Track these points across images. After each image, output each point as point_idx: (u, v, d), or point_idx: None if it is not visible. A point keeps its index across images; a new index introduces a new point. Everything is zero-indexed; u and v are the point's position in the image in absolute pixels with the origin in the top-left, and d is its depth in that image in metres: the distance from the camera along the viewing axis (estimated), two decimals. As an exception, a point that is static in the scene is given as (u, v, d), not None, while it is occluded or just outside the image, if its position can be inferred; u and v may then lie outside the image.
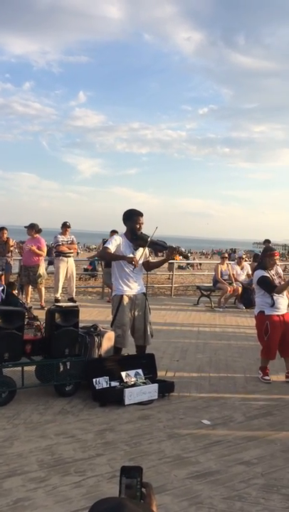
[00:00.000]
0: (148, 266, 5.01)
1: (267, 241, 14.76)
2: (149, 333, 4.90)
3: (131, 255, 4.70)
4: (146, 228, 4.90)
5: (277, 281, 5.20)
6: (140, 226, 4.81)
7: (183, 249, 5.54)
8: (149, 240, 4.73)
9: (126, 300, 4.77)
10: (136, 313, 4.84)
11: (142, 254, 4.81)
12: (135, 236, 4.79)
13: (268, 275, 5.21)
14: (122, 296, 4.78)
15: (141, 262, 4.78)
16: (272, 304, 5.15)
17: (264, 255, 5.42)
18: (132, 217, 4.83)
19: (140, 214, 4.85)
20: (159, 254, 5.08)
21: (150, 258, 5.08)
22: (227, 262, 11.28)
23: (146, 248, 4.84)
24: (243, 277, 11.02)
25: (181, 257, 5.46)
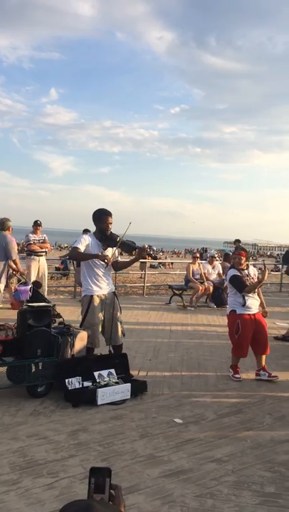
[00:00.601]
0: (117, 265, 5.02)
1: (237, 241, 14.99)
2: (120, 332, 4.91)
3: (104, 253, 4.70)
4: (120, 226, 4.91)
5: (249, 282, 5.30)
6: (109, 226, 4.80)
7: (154, 248, 5.57)
8: (118, 240, 4.73)
9: (96, 300, 4.77)
10: (106, 313, 4.85)
11: (111, 254, 4.83)
12: (104, 236, 4.79)
13: (240, 274, 5.31)
14: (91, 296, 4.77)
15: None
16: (244, 304, 5.26)
17: (233, 255, 5.57)
18: (100, 217, 4.82)
19: (109, 214, 4.85)
20: (132, 253, 5.09)
21: (118, 258, 5.08)
22: (198, 261, 11.40)
23: (116, 248, 4.84)
24: (214, 276, 11.15)
25: (150, 257, 5.50)
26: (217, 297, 10.77)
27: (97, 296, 4.78)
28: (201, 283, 10.72)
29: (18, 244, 9.74)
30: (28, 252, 9.56)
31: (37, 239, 9.54)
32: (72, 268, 13.74)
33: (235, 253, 5.62)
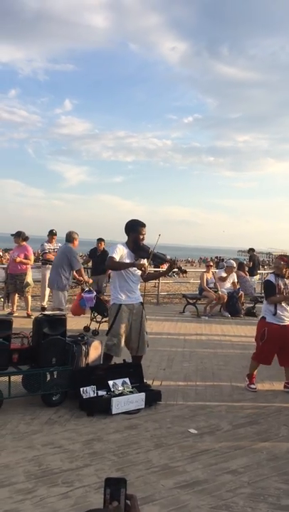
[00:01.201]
0: (146, 276, 5.03)
1: (251, 249, 14.92)
2: (145, 342, 4.91)
3: (142, 261, 4.72)
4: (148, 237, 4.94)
5: (286, 292, 5.14)
6: (143, 237, 4.83)
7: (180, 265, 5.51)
8: (150, 251, 4.76)
9: (124, 310, 4.76)
10: (133, 322, 4.84)
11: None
12: (137, 247, 4.81)
13: (275, 282, 5.17)
14: (120, 305, 4.77)
15: (140, 272, 4.82)
16: (274, 313, 5.13)
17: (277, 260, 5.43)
18: (135, 227, 4.84)
19: (143, 225, 4.86)
20: (160, 266, 5.11)
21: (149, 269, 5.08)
22: (212, 270, 11.36)
23: (148, 259, 4.85)
24: (228, 285, 11.09)
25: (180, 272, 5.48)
26: (231, 306, 10.71)
27: (126, 305, 4.78)
28: (215, 292, 10.68)
29: (33, 254, 9.85)
30: (44, 261, 9.64)
31: (52, 248, 9.62)
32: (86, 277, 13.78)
33: (284, 259, 5.29)
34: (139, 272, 4.83)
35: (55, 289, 7.34)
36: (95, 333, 7.60)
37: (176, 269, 5.00)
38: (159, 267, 11.31)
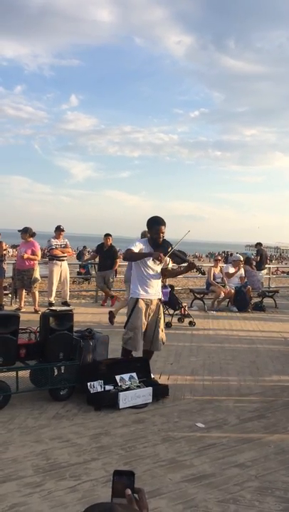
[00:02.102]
0: (165, 273, 5.03)
1: (259, 244, 14.85)
2: (160, 339, 4.91)
3: (158, 251, 4.70)
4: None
5: None
6: (161, 235, 4.81)
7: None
8: (170, 249, 4.74)
9: (141, 304, 4.78)
10: (149, 318, 4.85)
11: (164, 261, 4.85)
12: (156, 245, 4.80)
13: None
14: (137, 299, 4.79)
15: (159, 268, 4.83)
16: None
17: None
18: (152, 226, 4.84)
19: (161, 223, 4.83)
20: (181, 266, 5.14)
21: (170, 265, 5.07)
22: (220, 264, 11.31)
23: (166, 257, 4.84)
24: (236, 280, 11.05)
25: (198, 272, 5.61)
26: (239, 301, 10.68)
27: (143, 300, 4.79)
28: (223, 286, 10.65)
29: (40, 250, 9.88)
30: (51, 257, 9.67)
31: (59, 244, 9.64)
32: (93, 273, 13.81)
33: None
34: (158, 268, 4.83)
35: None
36: (168, 325, 8.05)
37: (195, 270, 5.07)
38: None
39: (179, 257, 4.87)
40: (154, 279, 4.85)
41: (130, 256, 4.80)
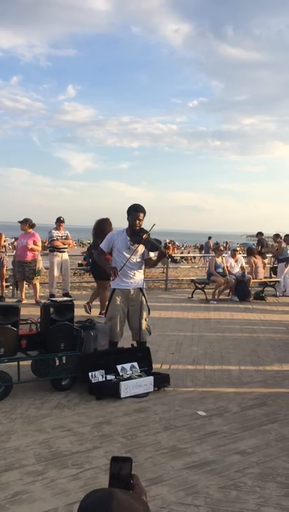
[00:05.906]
0: (148, 263, 5.03)
1: (259, 233, 14.83)
2: (144, 329, 4.91)
3: (114, 265, 4.80)
4: (145, 222, 4.95)
5: None
6: (137, 222, 4.80)
7: (176, 243, 5.61)
8: (144, 236, 4.73)
9: (118, 294, 4.82)
10: (130, 308, 4.87)
11: (141, 250, 4.83)
12: (132, 231, 4.81)
13: None
14: (114, 289, 4.84)
15: (139, 258, 4.88)
16: None
17: None
18: (131, 212, 4.84)
19: (140, 210, 4.83)
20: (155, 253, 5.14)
21: (152, 254, 5.06)
22: (223, 254, 11.28)
23: (141, 244, 4.84)
24: (237, 270, 11.06)
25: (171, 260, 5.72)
26: (240, 291, 10.68)
27: (120, 290, 4.81)
28: (223, 276, 10.65)
29: (41, 241, 9.87)
30: (51, 248, 9.66)
31: (60, 235, 9.62)
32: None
33: None
34: (138, 259, 4.86)
35: None
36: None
37: (166, 258, 5.15)
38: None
39: (152, 244, 4.80)
40: (132, 270, 4.86)
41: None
